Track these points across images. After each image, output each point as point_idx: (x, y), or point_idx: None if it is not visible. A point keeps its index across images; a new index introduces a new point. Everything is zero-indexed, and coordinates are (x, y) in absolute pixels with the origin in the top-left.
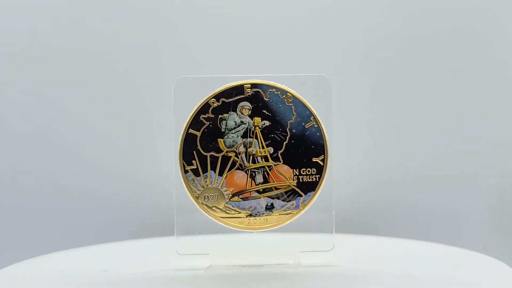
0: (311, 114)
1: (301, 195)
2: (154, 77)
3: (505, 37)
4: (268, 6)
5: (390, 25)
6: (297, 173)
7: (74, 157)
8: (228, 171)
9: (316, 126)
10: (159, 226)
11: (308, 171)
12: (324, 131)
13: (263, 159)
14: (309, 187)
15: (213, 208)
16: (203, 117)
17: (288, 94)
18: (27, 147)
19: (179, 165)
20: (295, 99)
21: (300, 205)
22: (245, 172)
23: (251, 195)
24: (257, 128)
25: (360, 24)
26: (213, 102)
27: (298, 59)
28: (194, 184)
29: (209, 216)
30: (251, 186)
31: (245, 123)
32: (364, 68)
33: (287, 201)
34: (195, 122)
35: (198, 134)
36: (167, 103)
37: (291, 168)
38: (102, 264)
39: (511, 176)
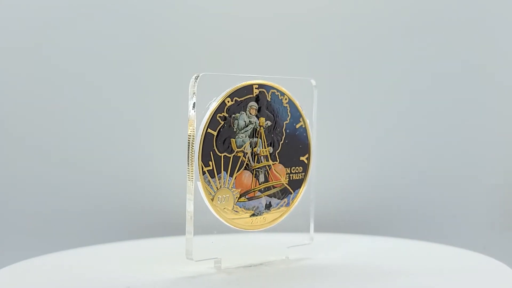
0: (300, 115)
1: (291, 193)
2: (159, 77)
3: (505, 35)
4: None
5: (380, 26)
6: (289, 172)
7: (75, 156)
8: (237, 171)
9: (303, 126)
10: (160, 227)
11: (297, 169)
12: (309, 131)
13: (265, 159)
14: (297, 185)
15: (224, 209)
16: (219, 116)
17: (285, 95)
18: (31, 148)
19: (198, 166)
20: (289, 101)
21: (290, 202)
22: (251, 171)
23: (255, 195)
24: (261, 128)
25: (353, 27)
26: (228, 101)
27: (290, 62)
28: (209, 186)
29: (220, 218)
30: (255, 186)
31: (252, 123)
32: (356, 68)
33: (281, 199)
34: (213, 121)
35: (215, 133)
36: (176, 102)
37: (285, 167)
38: (104, 265)
39: (511, 176)
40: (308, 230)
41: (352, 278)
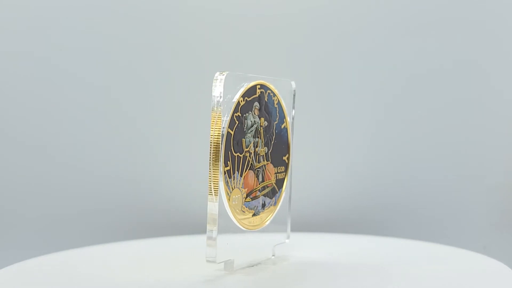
0: (284, 116)
1: (277, 192)
2: (161, 78)
3: (506, 34)
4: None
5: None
6: (276, 171)
7: (78, 156)
8: (245, 171)
9: (286, 127)
10: (162, 227)
11: (281, 169)
12: (289, 131)
13: (262, 158)
14: (281, 184)
15: (236, 210)
16: (235, 116)
17: (276, 96)
18: (37, 148)
19: (221, 166)
20: (278, 101)
21: (276, 201)
22: (254, 171)
23: (256, 195)
24: (261, 128)
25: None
26: (241, 101)
27: (276, 63)
28: (227, 186)
29: (234, 219)
30: (256, 186)
31: (256, 123)
32: (354, 66)
33: (271, 198)
34: (232, 121)
35: (232, 133)
36: (176, 102)
37: (274, 167)
38: (104, 265)
39: (511, 176)
40: (294, 229)
41: (361, 276)
